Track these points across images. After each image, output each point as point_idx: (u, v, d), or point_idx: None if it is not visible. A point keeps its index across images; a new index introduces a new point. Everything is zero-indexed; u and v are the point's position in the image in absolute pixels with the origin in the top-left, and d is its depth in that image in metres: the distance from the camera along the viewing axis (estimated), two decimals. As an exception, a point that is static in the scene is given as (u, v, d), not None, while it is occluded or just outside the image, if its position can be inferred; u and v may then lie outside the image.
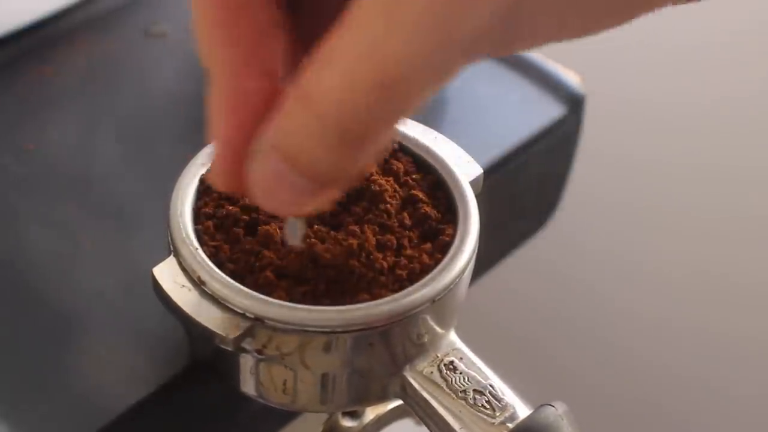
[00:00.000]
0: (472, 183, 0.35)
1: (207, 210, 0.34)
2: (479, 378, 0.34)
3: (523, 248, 0.54)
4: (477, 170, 0.36)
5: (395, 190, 0.35)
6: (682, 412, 0.93)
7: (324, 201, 0.26)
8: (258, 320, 0.31)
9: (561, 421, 0.32)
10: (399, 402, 0.35)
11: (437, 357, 0.34)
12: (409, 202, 0.35)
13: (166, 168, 0.36)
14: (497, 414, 0.33)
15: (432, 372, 0.34)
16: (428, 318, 0.33)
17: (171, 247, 0.33)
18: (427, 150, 0.36)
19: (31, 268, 0.40)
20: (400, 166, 0.35)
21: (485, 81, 0.50)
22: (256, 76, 0.25)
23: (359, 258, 0.32)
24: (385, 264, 0.32)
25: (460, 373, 0.34)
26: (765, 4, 0.86)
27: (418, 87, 0.23)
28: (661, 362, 0.92)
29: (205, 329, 0.32)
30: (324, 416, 0.42)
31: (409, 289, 0.32)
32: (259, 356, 0.33)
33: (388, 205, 0.34)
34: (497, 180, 0.45)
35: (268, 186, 0.25)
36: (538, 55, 0.51)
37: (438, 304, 0.33)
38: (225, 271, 0.32)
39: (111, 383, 0.37)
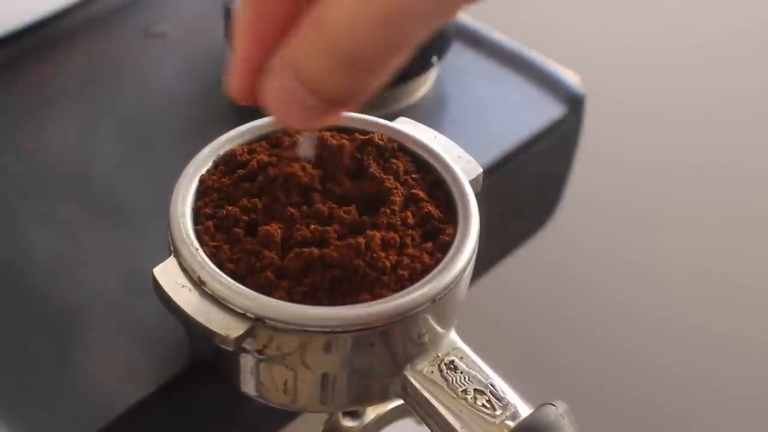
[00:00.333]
0: (472, 182, 0.35)
1: (207, 210, 0.34)
2: (480, 377, 0.34)
3: (523, 248, 0.54)
4: (477, 170, 0.36)
5: (397, 188, 0.35)
6: (682, 412, 0.92)
7: (333, 118, 0.27)
8: (258, 320, 0.31)
9: (562, 421, 0.32)
10: (399, 402, 0.35)
11: (438, 356, 0.34)
12: (411, 201, 0.34)
13: (166, 168, 0.36)
14: (498, 413, 0.33)
15: (432, 371, 0.34)
16: (429, 317, 0.33)
17: (171, 247, 0.33)
18: (427, 149, 0.36)
19: (32, 268, 0.40)
20: (400, 165, 0.35)
21: (485, 81, 0.50)
22: None
23: (365, 258, 0.32)
24: (387, 263, 0.32)
25: (461, 373, 0.34)
26: (765, 4, 0.86)
27: (423, 20, 0.25)
28: (661, 362, 0.92)
29: (205, 329, 0.32)
30: (324, 416, 0.42)
31: (410, 288, 0.32)
32: (260, 356, 0.33)
33: (393, 204, 0.34)
34: (497, 180, 0.45)
35: (281, 101, 0.27)
36: (538, 55, 0.51)
37: (438, 304, 0.33)
38: (225, 271, 0.32)
39: (111, 383, 0.37)
